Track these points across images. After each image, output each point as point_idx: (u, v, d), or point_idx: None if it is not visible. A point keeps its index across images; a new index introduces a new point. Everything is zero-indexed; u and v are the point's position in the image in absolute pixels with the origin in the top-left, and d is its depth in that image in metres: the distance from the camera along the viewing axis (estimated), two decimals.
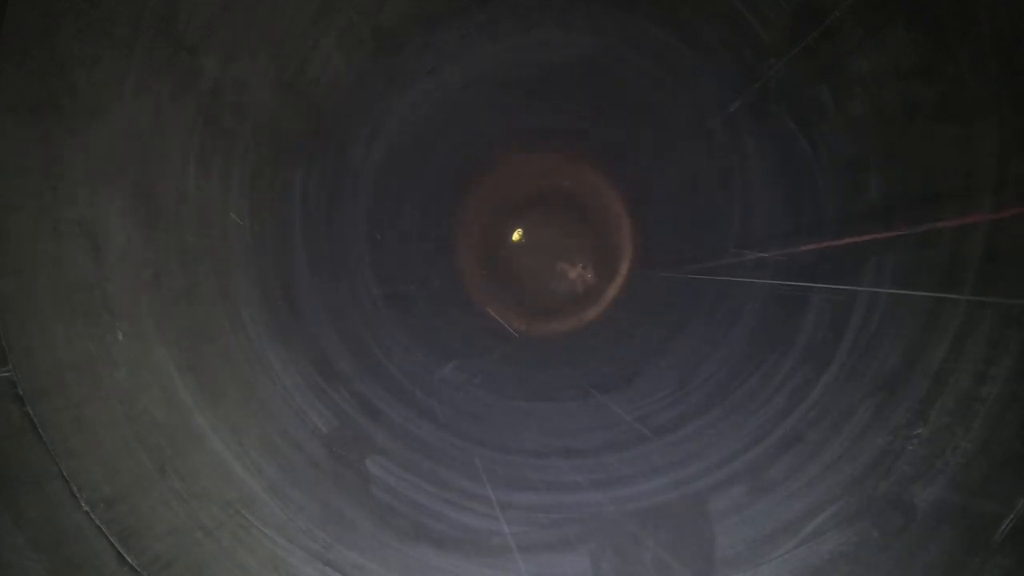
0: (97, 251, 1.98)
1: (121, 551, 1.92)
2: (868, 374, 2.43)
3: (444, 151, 4.37)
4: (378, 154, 3.69)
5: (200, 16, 2.14)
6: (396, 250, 4.27)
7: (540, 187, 5.60)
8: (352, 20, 2.77)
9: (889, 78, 2.28)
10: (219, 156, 2.44)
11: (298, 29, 2.58)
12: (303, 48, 2.67)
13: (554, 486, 3.02)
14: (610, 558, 2.58)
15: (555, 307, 5.69)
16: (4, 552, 1.73)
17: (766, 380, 2.98)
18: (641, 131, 4.24)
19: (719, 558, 2.46)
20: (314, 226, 3.23)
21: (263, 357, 2.69)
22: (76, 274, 1.92)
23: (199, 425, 2.26)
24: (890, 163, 2.39)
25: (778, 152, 3.06)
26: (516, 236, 5.86)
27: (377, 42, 2.98)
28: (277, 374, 2.74)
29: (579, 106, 4.28)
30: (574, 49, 3.55)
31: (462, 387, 3.87)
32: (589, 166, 5.43)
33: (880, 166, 2.44)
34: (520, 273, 5.82)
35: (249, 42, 2.41)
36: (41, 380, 1.82)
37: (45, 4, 1.73)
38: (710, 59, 3.09)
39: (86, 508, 1.87)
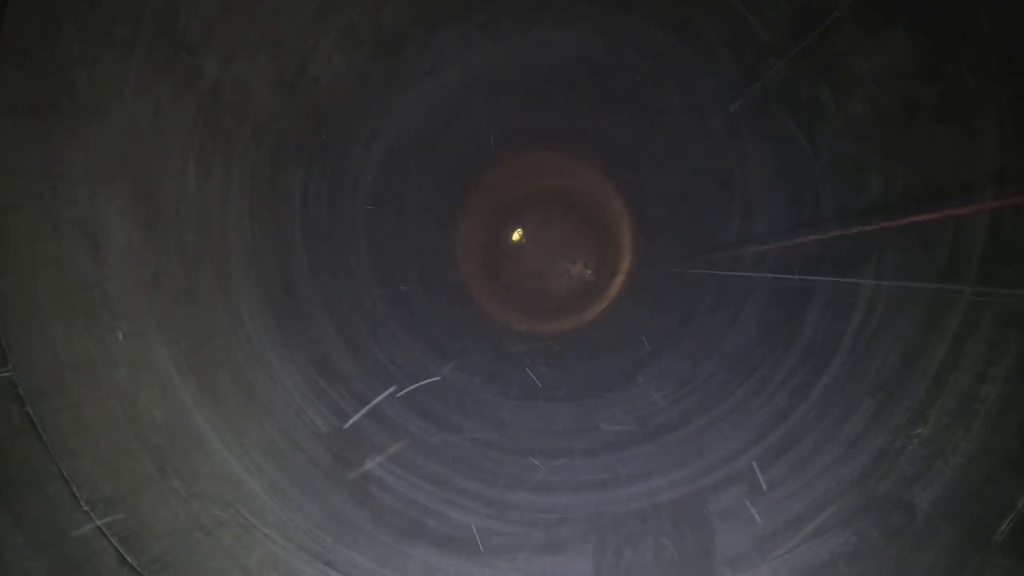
0: (97, 251, 1.98)
1: (121, 551, 1.92)
2: (868, 374, 2.43)
3: (444, 151, 4.37)
4: (378, 154, 3.69)
5: (200, 16, 2.14)
6: (396, 250, 4.27)
7: (540, 187, 5.60)
8: (352, 20, 2.77)
9: (889, 78, 2.28)
10: (219, 156, 2.44)
11: (298, 29, 2.58)
12: (303, 48, 2.67)
13: (554, 486, 3.02)
14: (610, 558, 2.58)
15: (555, 307, 5.69)
16: (4, 552, 1.73)
17: (766, 380, 2.98)
18: (641, 131, 4.24)
19: (719, 558, 2.46)
20: (314, 226, 3.23)
21: (263, 357, 2.69)
22: (76, 274, 1.92)
23: (199, 425, 2.26)
24: (890, 162, 2.39)
25: (778, 152, 3.06)
26: (516, 236, 5.86)
27: (377, 42, 2.98)
28: (277, 374, 2.74)
29: (579, 106, 4.28)
30: (574, 49, 3.55)
31: (462, 387, 3.87)
32: (589, 165, 5.43)
33: (880, 165, 2.44)
34: (520, 273, 5.82)
35: (249, 42, 2.41)
36: (41, 380, 1.82)
37: (45, 4, 1.73)
38: (710, 59, 3.09)
39: (86, 508, 1.87)
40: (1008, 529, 1.87)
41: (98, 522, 1.88)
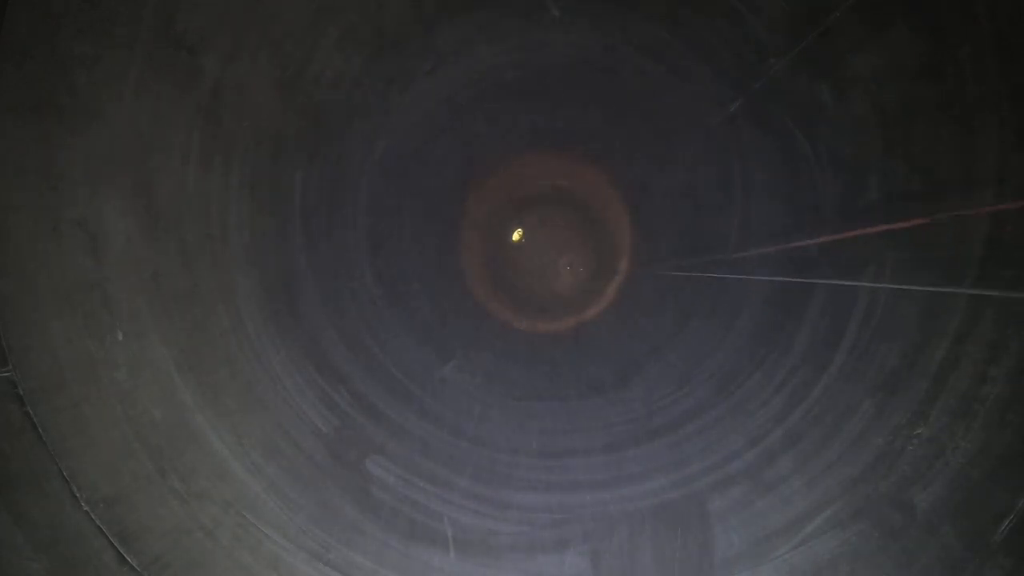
0: (97, 251, 1.98)
1: (121, 551, 1.92)
2: (868, 374, 2.43)
3: (444, 151, 4.37)
4: (378, 154, 3.69)
5: (200, 16, 2.14)
6: (396, 250, 4.27)
7: (540, 187, 5.60)
8: (352, 20, 2.76)
9: (889, 78, 2.28)
10: (219, 156, 2.44)
11: (298, 29, 2.58)
12: (303, 48, 2.67)
13: (554, 486, 3.02)
14: (610, 558, 2.58)
15: (555, 307, 5.68)
16: (4, 552, 1.73)
17: (766, 380, 2.98)
18: (641, 131, 4.24)
19: (719, 558, 2.46)
20: (314, 226, 3.23)
21: (263, 357, 2.69)
22: (76, 274, 1.92)
23: (199, 425, 2.26)
24: (890, 162, 2.39)
25: (778, 152, 3.06)
26: (516, 236, 5.86)
27: (377, 42, 2.98)
28: (277, 374, 2.74)
29: (579, 106, 4.28)
30: (574, 49, 3.55)
31: (462, 387, 3.87)
32: (589, 165, 5.42)
33: (880, 165, 2.44)
34: (520, 273, 5.82)
35: (249, 42, 2.40)
36: (41, 380, 1.82)
37: (45, 4, 1.73)
38: (710, 59, 3.09)
39: (86, 508, 1.87)
40: (1008, 529, 1.87)
41: (98, 522, 1.88)
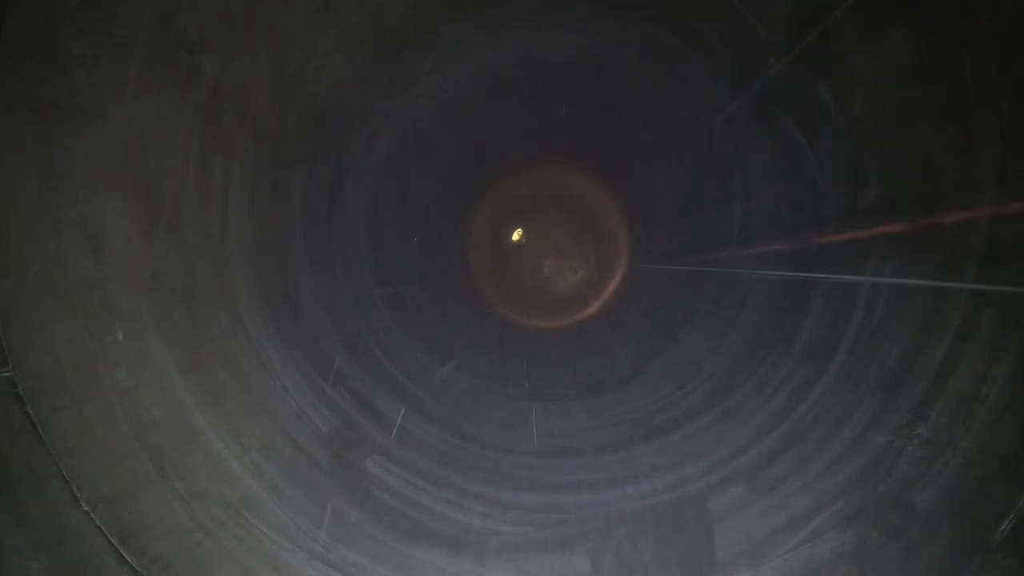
0: (97, 251, 1.98)
1: (121, 551, 1.92)
2: (868, 374, 2.43)
3: (444, 151, 4.37)
4: (378, 154, 3.69)
5: (200, 16, 2.14)
6: (396, 250, 4.27)
7: (540, 186, 5.60)
8: (352, 20, 2.76)
9: (889, 78, 2.28)
10: (219, 156, 2.44)
11: (298, 29, 2.58)
12: (303, 48, 2.67)
13: (554, 486, 3.02)
14: (610, 558, 2.58)
15: (555, 307, 5.69)
16: (4, 552, 1.73)
17: (766, 380, 2.98)
18: (641, 130, 4.24)
19: (719, 558, 2.46)
20: (314, 226, 3.23)
21: (263, 357, 2.69)
22: (76, 274, 1.92)
23: (199, 425, 2.26)
24: (890, 162, 2.39)
25: (778, 152, 3.06)
26: (516, 236, 5.86)
27: (377, 42, 2.98)
28: (277, 374, 2.74)
29: (579, 106, 4.28)
30: (574, 49, 3.55)
31: (462, 387, 3.87)
32: (589, 165, 5.43)
33: (880, 165, 2.44)
34: (520, 273, 5.82)
35: (249, 42, 2.40)
36: (41, 380, 1.82)
37: (45, 4, 1.73)
38: (710, 59, 3.09)
39: (86, 508, 1.87)
40: (1008, 529, 1.87)
41: (98, 522, 1.88)
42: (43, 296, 1.85)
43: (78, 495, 1.86)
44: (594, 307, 5.59)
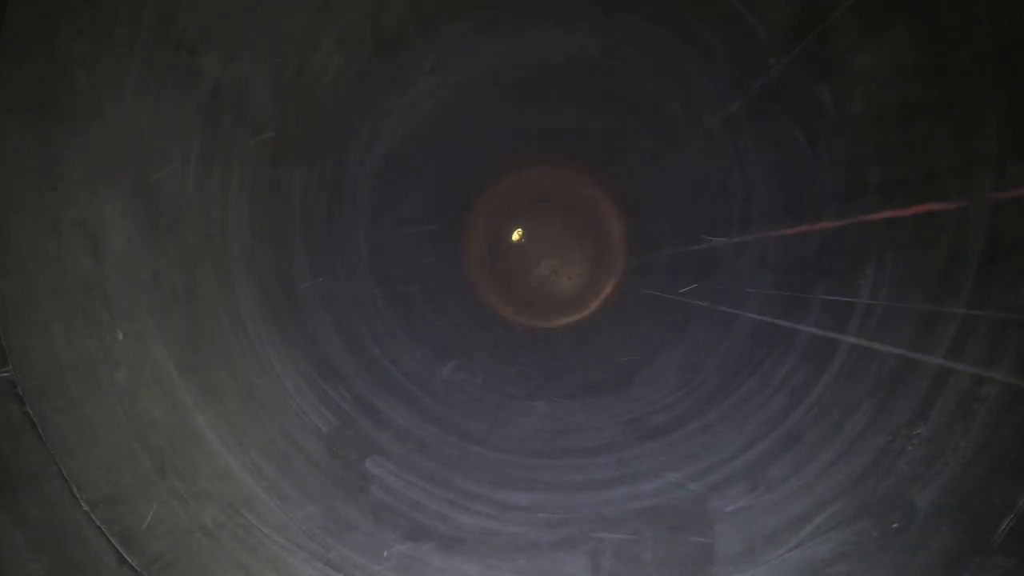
0: (97, 251, 1.98)
1: (121, 551, 1.92)
2: (868, 374, 2.43)
3: (444, 151, 4.37)
4: (378, 154, 3.69)
5: (200, 16, 2.14)
6: (396, 250, 4.27)
7: (540, 186, 5.60)
8: (352, 20, 2.77)
9: (889, 78, 2.28)
10: (219, 156, 2.44)
11: (298, 29, 2.58)
12: (303, 48, 2.67)
13: (554, 486, 3.02)
14: (610, 558, 2.58)
15: (555, 307, 5.69)
16: (4, 552, 1.73)
17: (766, 380, 2.98)
18: (641, 131, 4.24)
19: (719, 558, 2.46)
20: (314, 226, 3.23)
21: (263, 357, 2.69)
22: (76, 274, 1.92)
23: (199, 425, 2.26)
24: (890, 163, 2.39)
25: (778, 152, 3.06)
26: (516, 236, 5.86)
27: (377, 42, 2.98)
28: (277, 374, 2.74)
29: (579, 106, 4.28)
30: (574, 49, 3.55)
31: (462, 387, 3.87)
32: (589, 165, 5.43)
33: (880, 166, 2.44)
34: (520, 273, 5.82)
35: (249, 42, 2.41)
36: (41, 380, 1.82)
37: (45, 4, 1.73)
38: (710, 59, 3.09)
39: (86, 508, 1.87)
40: (1008, 529, 1.87)
41: (98, 522, 1.88)
42: (43, 296, 1.84)
43: (78, 495, 1.86)
44: (594, 307, 5.59)
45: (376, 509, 2.71)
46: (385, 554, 2.51)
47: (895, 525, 2.13)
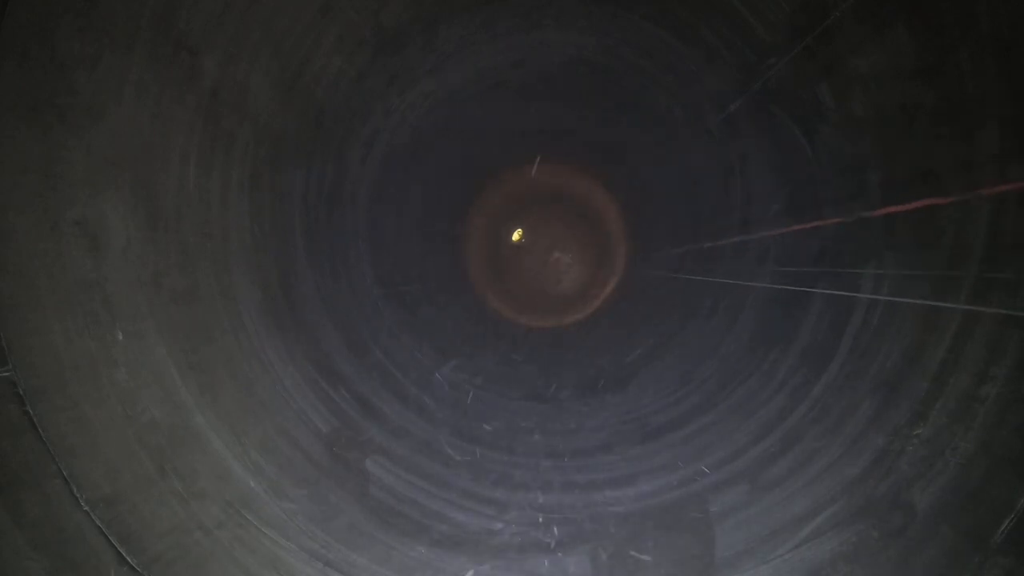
0: (97, 251, 1.97)
1: (121, 551, 1.92)
2: (868, 374, 2.43)
3: (444, 150, 4.37)
4: (378, 154, 3.69)
5: (200, 16, 2.14)
6: (396, 250, 4.27)
7: (540, 186, 5.60)
8: (352, 20, 2.76)
9: (889, 78, 2.28)
10: (219, 156, 2.44)
11: (298, 29, 2.58)
12: (303, 48, 2.67)
13: (554, 486, 3.03)
14: (610, 558, 2.58)
15: (555, 307, 5.69)
16: (4, 552, 1.73)
17: (766, 380, 2.98)
18: (641, 131, 4.24)
19: (719, 558, 2.46)
20: (314, 226, 3.23)
21: (263, 357, 2.69)
22: (76, 274, 1.92)
23: (199, 425, 2.26)
24: (890, 162, 2.39)
25: (778, 152, 3.06)
26: (516, 236, 5.86)
27: (377, 42, 2.98)
28: (277, 374, 2.74)
29: (579, 106, 4.28)
30: (574, 49, 3.55)
31: (462, 387, 3.87)
32: (589, 165, 5.43)
33: (880, 165, 2.44)
34: (520, 273, 5.82)
35: (249, 42, 2.40)
36: (41, 380, 1.81)
37: (45, 4, 1.73)
38: (710, 59, 3.09)
39: (86, 508, 1.87)
40: (1008, 529, 1.87)
41: (98, 522, 1.88)
42: (43, 296, 1.84)
43: (78, 495, 1.86)
44: (594, 307, 5.59)
45: (376, 509, 2.72)
46: (389, 556, 2.52)
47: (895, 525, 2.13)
